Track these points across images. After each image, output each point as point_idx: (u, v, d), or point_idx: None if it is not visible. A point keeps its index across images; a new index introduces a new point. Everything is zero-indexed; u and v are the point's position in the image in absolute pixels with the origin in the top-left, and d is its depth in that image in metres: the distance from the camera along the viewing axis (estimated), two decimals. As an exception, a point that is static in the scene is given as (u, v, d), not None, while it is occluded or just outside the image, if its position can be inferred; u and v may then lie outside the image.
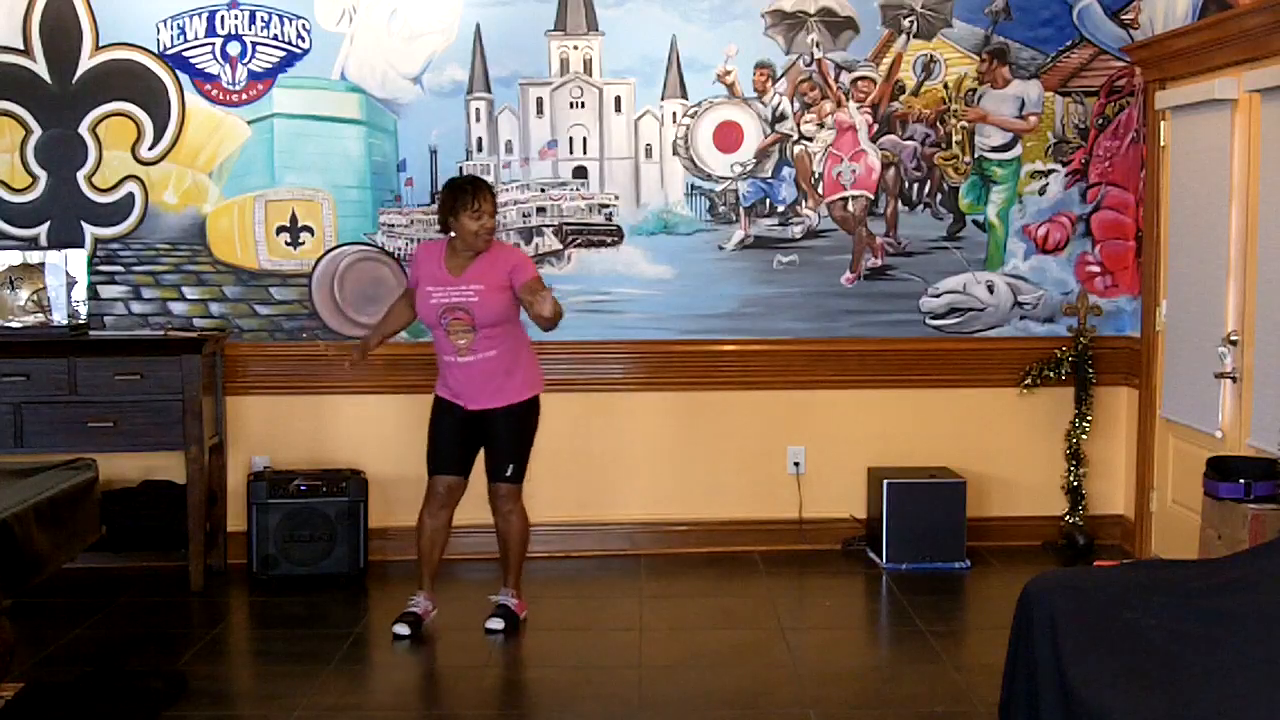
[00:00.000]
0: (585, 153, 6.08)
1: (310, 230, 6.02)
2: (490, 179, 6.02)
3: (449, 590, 5.75)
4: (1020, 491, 6.25)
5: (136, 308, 6.00)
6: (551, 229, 6.06)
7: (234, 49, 5.92)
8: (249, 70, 5.93)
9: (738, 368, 6.13)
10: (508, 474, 5.08)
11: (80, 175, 5.92)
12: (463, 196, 4.85)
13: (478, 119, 6.03)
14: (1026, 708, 3.42)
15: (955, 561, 5.90)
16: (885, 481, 5.90)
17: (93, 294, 5.92)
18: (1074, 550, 6.05)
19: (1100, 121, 6.14)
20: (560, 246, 6.07)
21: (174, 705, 4.33)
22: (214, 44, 5.92)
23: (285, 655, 4.96)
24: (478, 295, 4.88)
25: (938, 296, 6.19)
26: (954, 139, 6.13)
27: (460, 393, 5.03)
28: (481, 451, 5.15)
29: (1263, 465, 4.69)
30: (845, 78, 6.08)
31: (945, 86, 6.11)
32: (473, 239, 4.88)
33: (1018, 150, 6.15)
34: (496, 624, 5.08)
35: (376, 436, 6.08)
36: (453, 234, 4.91)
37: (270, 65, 5.94)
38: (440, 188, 5.10)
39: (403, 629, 5.02)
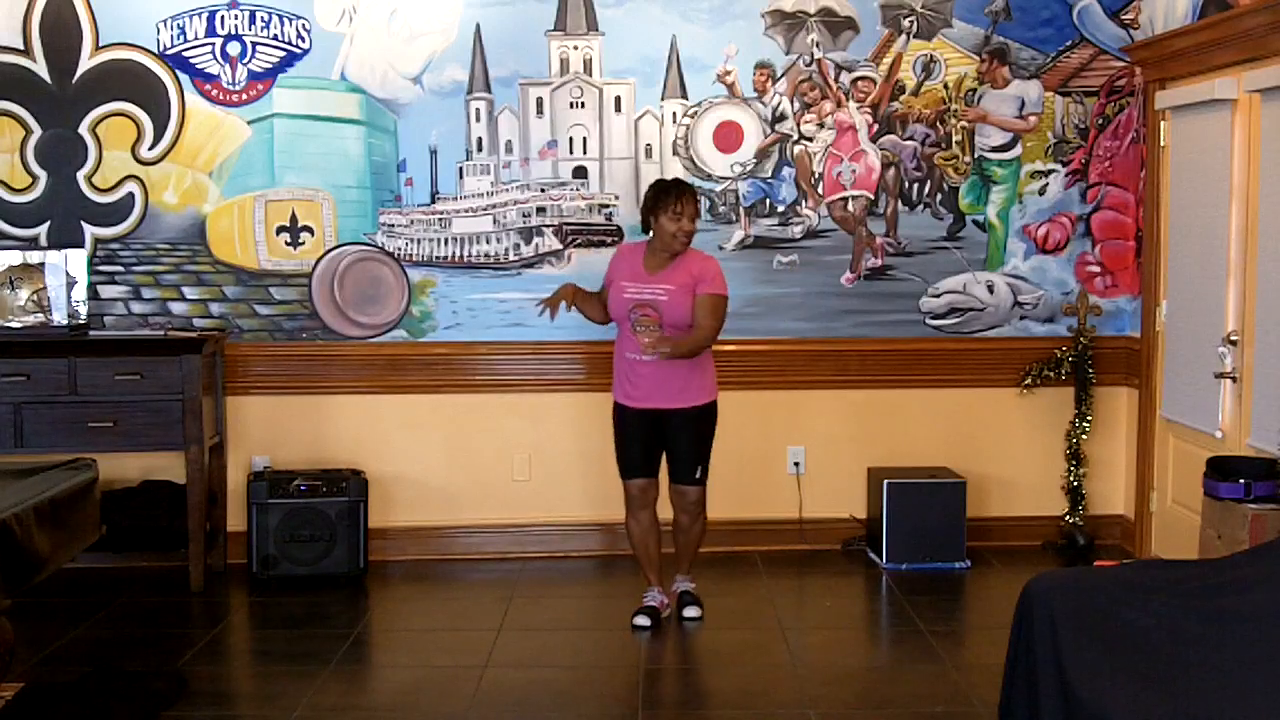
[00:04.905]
0: (585, 153, 6.08)
1: (310, 230, 6.02)
2: (489, 178, 6.04)
3: (447, 591, 5.77)
4: (1020, 491, 6.25)
5: (136, 308, 6.00)
6: (551, 229, 6.06)
7: (234, 49, 5.92)
8: (249, 70, 5.93)
9: (738, 368, 6.12)
10: (696, 476, 5.11)
11: (80, 175, 5.92)
12: (665, 197, 4.93)
13: (478, 119, 6.03)
14: (1026, 708, 3.41)
15: (955, 561, 5.90)
16: (885, 481, 5.90)
17: (93, 294, 5.92)
18: (1074, 550, 6.05)
19: (1100, 121, 6.14)
20: (560, 246, 6.07)
21: (174, 705, 4.33)
22: (214, 44, 5.92)
23: (285, 655, 4.96)
24: (667, 295, 4.96)
25: (938, 296, 6.19)
26: (954, 139, 6.13)
27: (635, 392, 5.08)
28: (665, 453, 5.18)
29: (1263, 465, 4.70)
30: (845, 78, 6.08)
31: (945, 86, 6.10)
32: (670, 240, 4.95)
33: (1018, 150, 6.14)
34: (694, 612, 5.15)
35: (376, 436, 6.08)
36: (652, 234, 5.00)
37: (270, 65, 5.94)
38: (646, 188, 5.11)
39: (643, 620, 5.10)
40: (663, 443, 5.13)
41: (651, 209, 4.97)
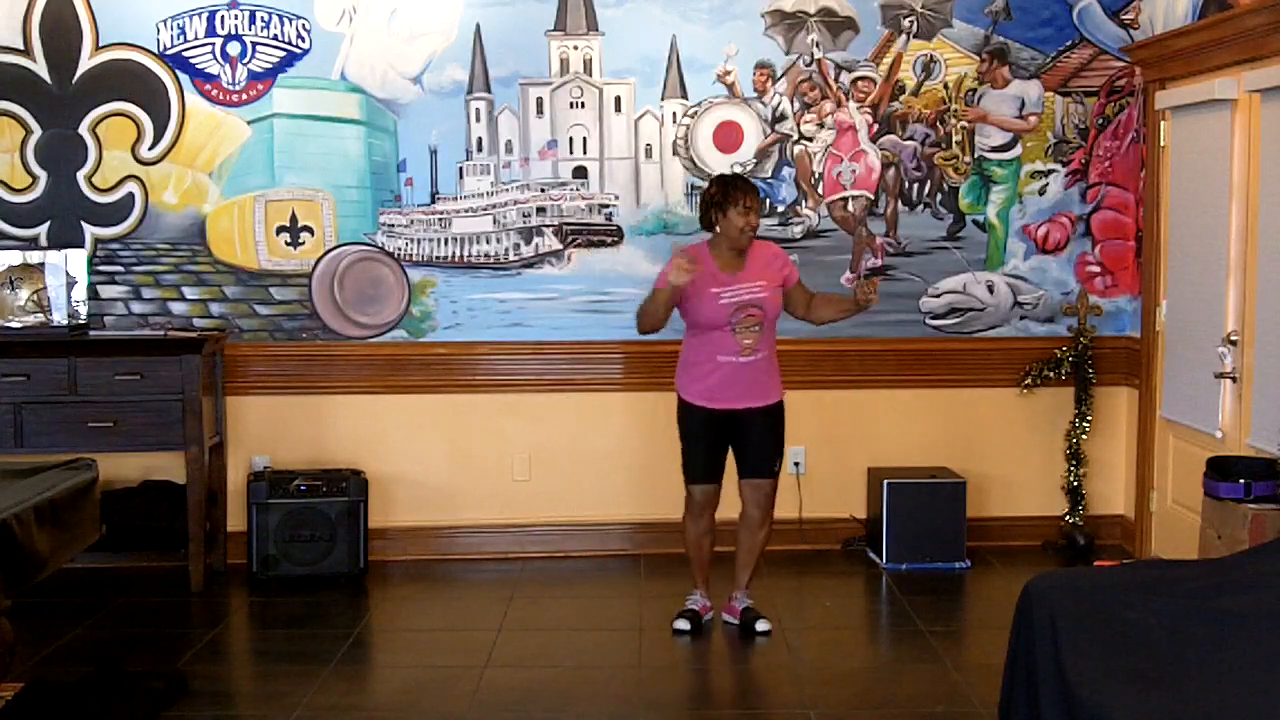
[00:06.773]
0: (585, 153, 6.07)
1: (310, 230, 6.02)
2: (489, 178, 6.04)
3: (447, 591, 5.77)
4: (1020, 491, 6.25)
5: (136, 308, 6.00)
6: (551, 229, 6.06)
7: (234, 49, 5.92)
8: (249, 70, 5.93)
9: (738, 368, 6.12)
10: (774, 468, 5.09)
11: (80, 175, 5.92)
12: (734, 192, 4.89)
13: (478, 119, 6.03)
14: (1026, 708, 3.42)
15: (955, 561, 5.90)
16: (885, 481, 5.90)
17: (93, 294, 5.92)
18: (1074, 550, 6.05)
19: (1100, 121, 6.14)
20: (560, 246, 6.07)
21: (174, 705, 4.33)
22: (214, 44, 5.92)
23: (285, 655, 4.96)
24: (767, 292, 4.94)
25: (938, 296, 6.19)
26: (954, 139, 6.12)
27: (723, 394, 4.99)
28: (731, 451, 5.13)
29: (1263, 465, 4.69)
30: (845, 78, 6.08)
31: (945, 86, 6.10)
32: (738, 235, 4.92)
33: (1018, 150, 6.14)
34: (765, 625, 5.06)
35: (376, 436, 6.08)
36: (717, 230, 4.94)
37: (270, 65, 5.94)
38: (709, 184, 5.03)
39: (683, 624, 5.08)
40: (732, 444, 5.07)
41: (720, 205, 4.90)
